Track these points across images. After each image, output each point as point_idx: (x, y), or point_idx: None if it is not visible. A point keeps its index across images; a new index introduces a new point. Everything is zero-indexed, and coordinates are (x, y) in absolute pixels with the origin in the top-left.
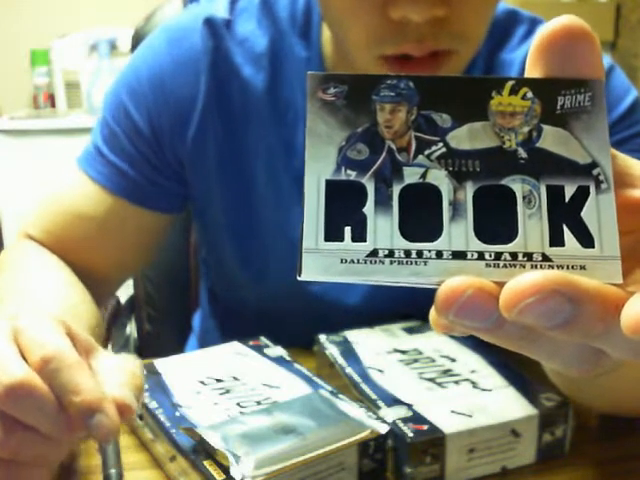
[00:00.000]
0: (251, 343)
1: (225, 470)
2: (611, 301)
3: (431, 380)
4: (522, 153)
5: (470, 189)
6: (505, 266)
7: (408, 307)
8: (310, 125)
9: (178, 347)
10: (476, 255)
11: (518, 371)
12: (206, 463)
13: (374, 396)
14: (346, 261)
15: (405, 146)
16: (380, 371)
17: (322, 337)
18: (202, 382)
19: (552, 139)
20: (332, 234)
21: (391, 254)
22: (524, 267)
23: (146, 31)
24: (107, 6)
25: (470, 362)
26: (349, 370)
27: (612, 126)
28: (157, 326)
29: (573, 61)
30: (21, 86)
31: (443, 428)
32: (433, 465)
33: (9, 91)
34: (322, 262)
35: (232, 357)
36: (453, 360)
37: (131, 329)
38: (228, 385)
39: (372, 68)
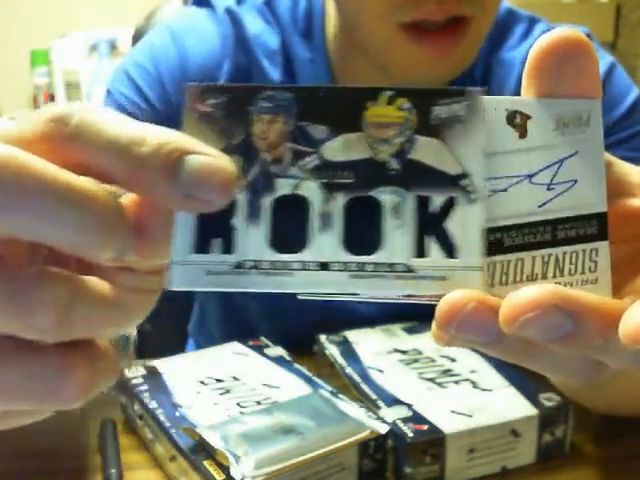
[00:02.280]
0: (251, 343)
1: (225, 470)
2: (610, 314)
3: (431, 380)
4: (394, 164)
5: (341, 200)
6: (369, 277)
7: (415, 310)
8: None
9: (178, 347)
10: (341, 266)
11: (518, 371)
12: (206, 463)
13: (374, 396)
14: (212, 272)
15: (280, 157)
16: (380, 371)
17: (322, 337)
18: (202, 382)
19: (425, 150)
20: (201, 246)
21: (257, 266)
22: (386, 277)
23: (146, 31)
24: (107, 6)
25: (470, 362)
26: (349, 370)
27: (613, 125)
28: (157, 326)
29: (569, 74)
30: (21, 86)
31: (443, 428)
32: (433, 465)
33: (9, 91)
34: (189, 274)
35: (232, 357)
36: (453, 360)
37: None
38: (228, 385)
39: (390, 40)
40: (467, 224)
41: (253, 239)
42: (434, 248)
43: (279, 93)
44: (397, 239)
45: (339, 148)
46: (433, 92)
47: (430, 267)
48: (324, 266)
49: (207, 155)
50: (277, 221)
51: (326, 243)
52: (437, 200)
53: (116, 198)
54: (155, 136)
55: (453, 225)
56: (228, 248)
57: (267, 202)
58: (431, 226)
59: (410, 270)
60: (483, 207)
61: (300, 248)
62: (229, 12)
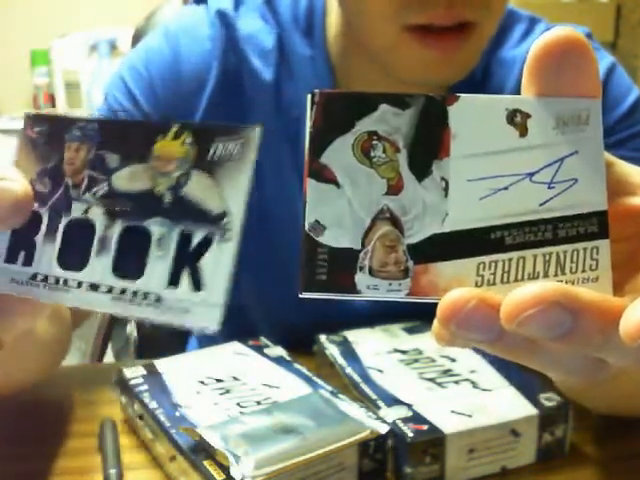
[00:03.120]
0: (251, 343)
1: (225, 470)
2: (610, 312)
3: (431, 380)
4: (168, 197)
5: (118, 227)
6: (126, 302)
7: (414, 310)
8: (15, 159)
9: (178, 347)
10: (107, 289)
11: (518, 371)
12: (206, 463)
13: (374, 396)
14: (15, 281)
15: (79, 183)
16: (380, 371)
17: (322, 337)
18: (202, 382)
19: (197, 186)
20: (10, 257)
21: (46, 280)
22: (139, 305)
23: (146, 31)
24: (107, 6)
25: (470, 362)
26: (349, 370)
27: (614, 125)
28: (157, 326)
29: (568, 73)
30: (21, 86)
31: (443, 428)
32: (433, 465)
33: (9, 91)
34: None
35: (232, 357)
36: (453, 360)
37: (131, 329)
38: (228, 385)
39: (394, 41)
40: (218, 262)
41: (47, 255)
42: (185, 282)
43: (90, 124)
44: (156, 269)
45: (126, 178)
46: (214, 129)
47: (177, 299)
48: (94, 287)
49: (3, 180)
50: (67, 241)
51: (100, 266)
52: (197, 236)
53: None
54: None
55: (206, 262)
56: (29, 261)
57: (63, 223)
58: (187, 260)
59: (159, 300)
60: (236, 247)
61: (81, 268)
62: (220, 14)
